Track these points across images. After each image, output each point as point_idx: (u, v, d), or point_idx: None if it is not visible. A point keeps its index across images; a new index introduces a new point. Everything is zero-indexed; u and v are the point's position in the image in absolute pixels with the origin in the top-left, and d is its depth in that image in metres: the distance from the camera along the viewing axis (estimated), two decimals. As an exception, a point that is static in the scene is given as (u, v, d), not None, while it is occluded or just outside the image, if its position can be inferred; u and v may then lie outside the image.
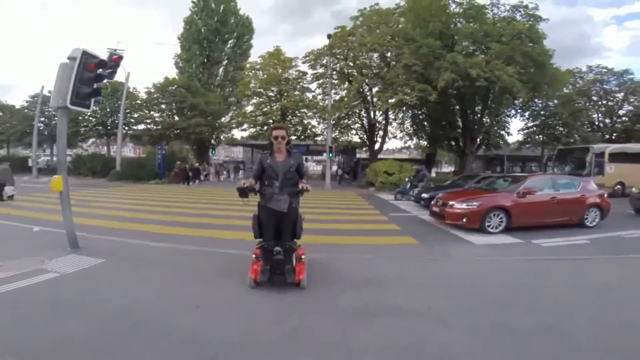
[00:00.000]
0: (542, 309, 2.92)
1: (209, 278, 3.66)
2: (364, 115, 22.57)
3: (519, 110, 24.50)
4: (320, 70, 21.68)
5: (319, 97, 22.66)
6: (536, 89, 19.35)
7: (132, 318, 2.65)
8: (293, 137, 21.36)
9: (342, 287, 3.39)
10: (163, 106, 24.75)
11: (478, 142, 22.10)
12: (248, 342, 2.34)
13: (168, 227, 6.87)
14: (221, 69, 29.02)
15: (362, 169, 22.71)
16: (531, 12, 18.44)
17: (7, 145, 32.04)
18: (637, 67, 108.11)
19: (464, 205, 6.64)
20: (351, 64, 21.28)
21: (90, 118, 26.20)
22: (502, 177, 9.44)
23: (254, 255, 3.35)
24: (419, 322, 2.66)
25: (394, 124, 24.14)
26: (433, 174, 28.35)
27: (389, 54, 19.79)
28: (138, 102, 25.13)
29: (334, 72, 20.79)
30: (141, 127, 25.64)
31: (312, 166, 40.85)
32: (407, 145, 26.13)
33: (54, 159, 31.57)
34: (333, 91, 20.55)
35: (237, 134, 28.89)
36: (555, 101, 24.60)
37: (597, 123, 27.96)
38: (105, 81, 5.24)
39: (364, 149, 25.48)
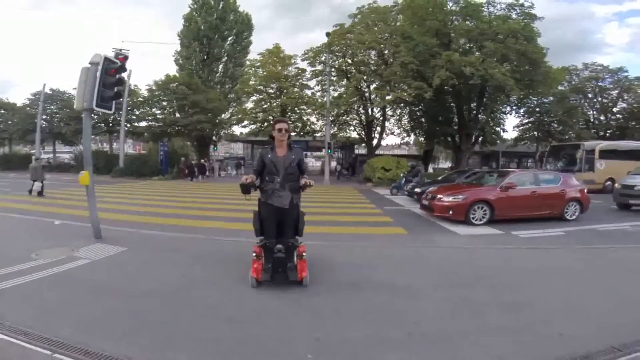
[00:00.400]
0: (503, 288, 3.45)
1: (223, 261, 4.19)
2: (362, 111, 23.02)
3: (514, 107, 24.91)
4: (319, 68, 22.10)
5: (318, 94, 23.12)
6: (530, 87, 19.79)
7: (161, 293, 3.18)
8: (293, 134, 21.75)
9: (335, 267, 3.93)
10: (164, 103, 25.16)
11: (473, 138, 22.60)
12: (260, 309, 2.87)
13: (180, 219, 7.45)
14: (221, 66, 29.31)
15: (361, 165, 23.21)
16: (526, 11, 18.80)
17: (10, 143, 32.45)
18: (637, 63, 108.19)
19: (450, 199, 7.19)
20: (349, 61, 21.67)
21: (93, 116, 26.49)
22: (490, 172, 9.99)
23: (254, 254, 3.29)
24: (398, 295, 3.20)
25: (392, 120, 24.64)
26: (430, 170, 28.87)
27: (386, 52, 20.17)
28: (140, 99, 25.52)
29: (333, 70, 21.18)
30: (143, 124, 26.10)
31: (312, 162, 41.39)
32: (405, 141, 26.48)
33: (56, 156, 32.04)
34: (331, 88, 20.97)
35: (237, 130, 29.38)
36: (551, 98, 24.98)
37: (591, 120, 28.39)
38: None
39: (363, 145, 25.96)
